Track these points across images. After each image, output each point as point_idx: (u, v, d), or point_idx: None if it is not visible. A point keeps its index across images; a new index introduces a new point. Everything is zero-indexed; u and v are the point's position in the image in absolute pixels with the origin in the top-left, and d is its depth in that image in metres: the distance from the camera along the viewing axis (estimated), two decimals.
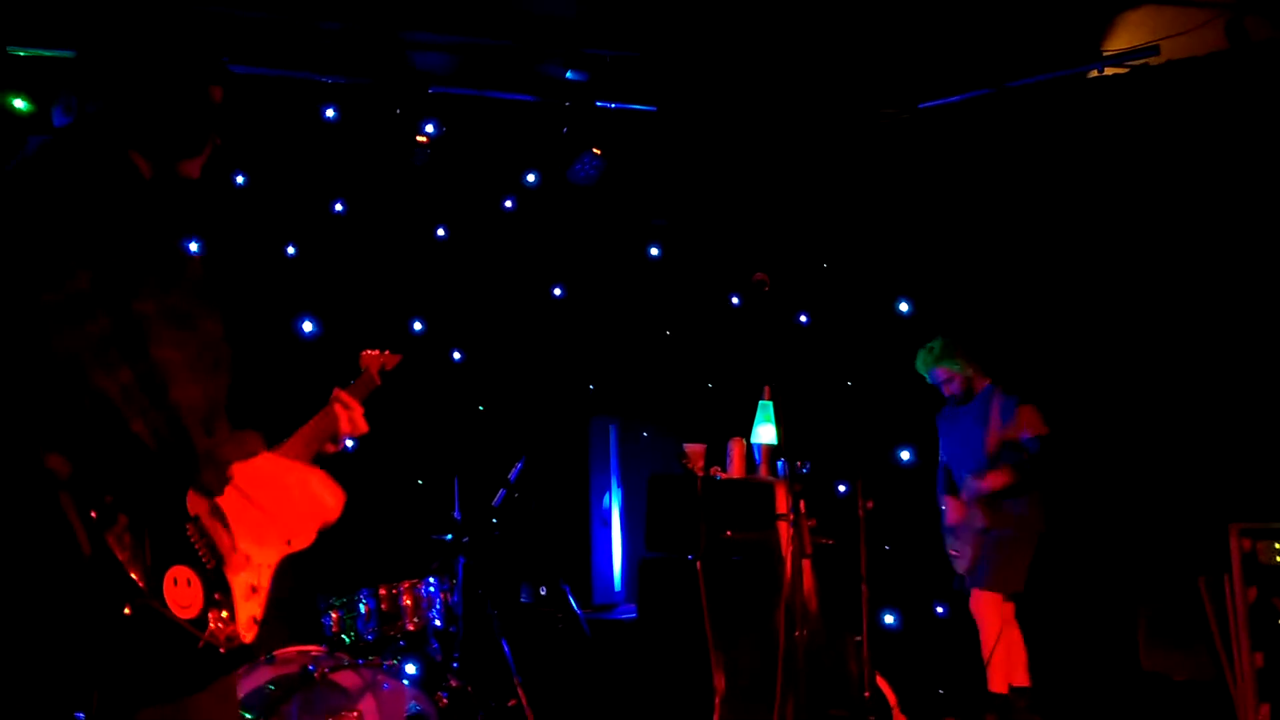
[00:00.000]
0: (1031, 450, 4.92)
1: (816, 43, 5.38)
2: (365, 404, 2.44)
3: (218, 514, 1.86)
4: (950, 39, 5.33)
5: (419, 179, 5.64)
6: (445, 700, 4.14)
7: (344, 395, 2.37)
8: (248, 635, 1.86)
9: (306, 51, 5.18)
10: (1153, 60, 5.28)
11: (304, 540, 1.98)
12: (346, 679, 3.80)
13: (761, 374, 4.79)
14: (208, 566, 1.82)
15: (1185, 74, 5.28)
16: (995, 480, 4.93)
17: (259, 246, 5.41)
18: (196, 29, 2.06)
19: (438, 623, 4.25)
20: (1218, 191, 5.31)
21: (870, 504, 4.06)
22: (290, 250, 5.50)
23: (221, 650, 1.80)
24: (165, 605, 1.71)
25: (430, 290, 5.79)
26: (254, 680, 3.66)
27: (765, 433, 4.75)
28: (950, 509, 5.16)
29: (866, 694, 3.92)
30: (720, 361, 6.26)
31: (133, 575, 1.68)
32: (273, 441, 2.18)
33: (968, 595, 5.16)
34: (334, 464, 2.45)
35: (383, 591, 4.15)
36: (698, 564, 4.38)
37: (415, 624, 4.18)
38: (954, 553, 5.19)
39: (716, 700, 4.23)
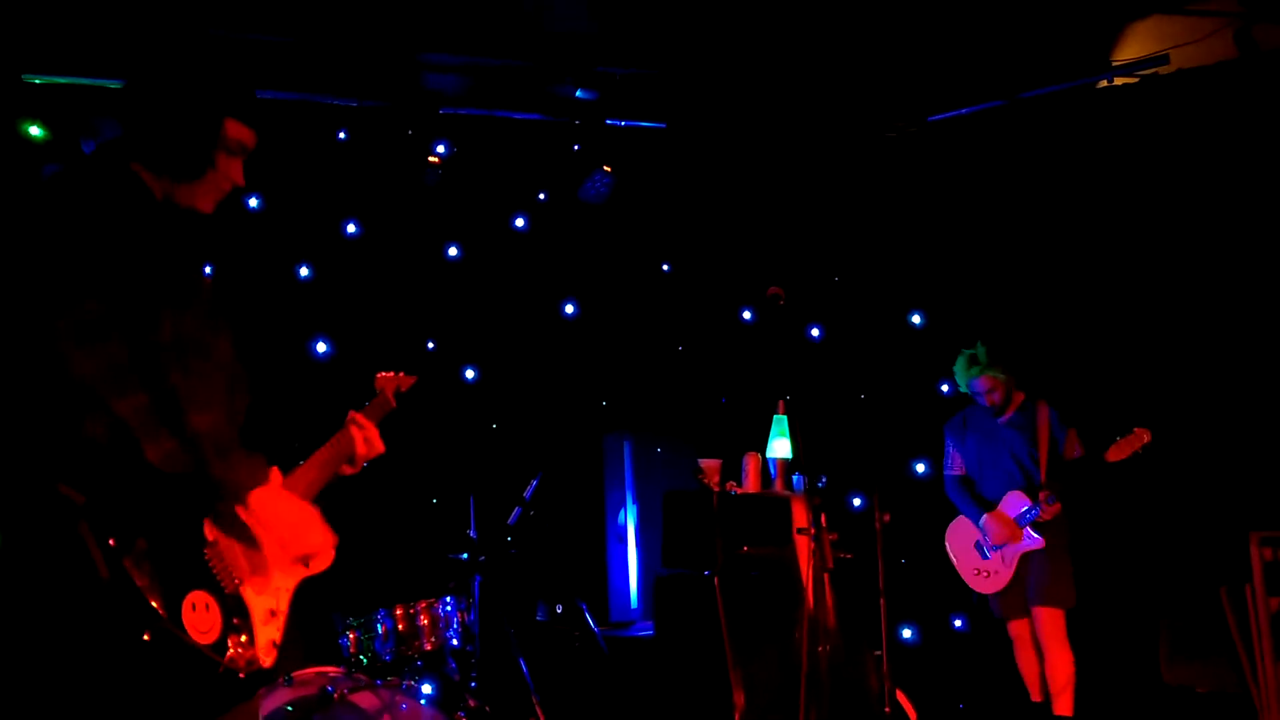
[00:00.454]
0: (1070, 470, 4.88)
1: (826, 57, 5.39)
2: (380, 425, 2.45)
3: (235, 538, 1.87)
4: (959, 52, 5.35)
5: (431, 199, 5.67)
6: None
7: (359, 417, 2.38)
8: (267, 659, 1.86)
9: (320, 75, 5.22)
10: (1162, 70, 5.28)
11: (322, 563, 1.98)
12: (365, 700, 3.78)
13: (775, 388, 4.78)
14: (226, 591, 1.82)
15: (1195, 83, 5.27)
16: (1058, 505, 4.82)
17: (272, 268, 5.43)
18: (219, 58, 2.09)
19: (455, 642, 4.24)
20: (1229, 200, 5.30)
21: (887, 517, 4.04)
22: (304, 271, 5.52)
23: (241, 675, 1.80)
24: (184, 631, 1.71)
25: (443, 309, 5.80)
26: (273, 702, 3.65)
27: (780, 447, 4.74)
28: (995, 528, 4.96)
29: (887, 709, 3.89)
30: (733, 376, 6.25)
31: (152, 601, 1.68)
32: (288, 465, 2.19)
33: (995, 613, 5.09)
34: (349, 484, 2.46)
35: (400, 611, 4.14)
36: (715, 580, 4.36)
37: (432, 644, 4.16)
38: (982, 571, 5.09)
39: (736, 716, 4.21)
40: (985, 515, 5.03)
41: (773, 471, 4.73)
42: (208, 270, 4.85)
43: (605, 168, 5.64)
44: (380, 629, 4.11)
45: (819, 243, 6.31)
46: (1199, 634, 4.65)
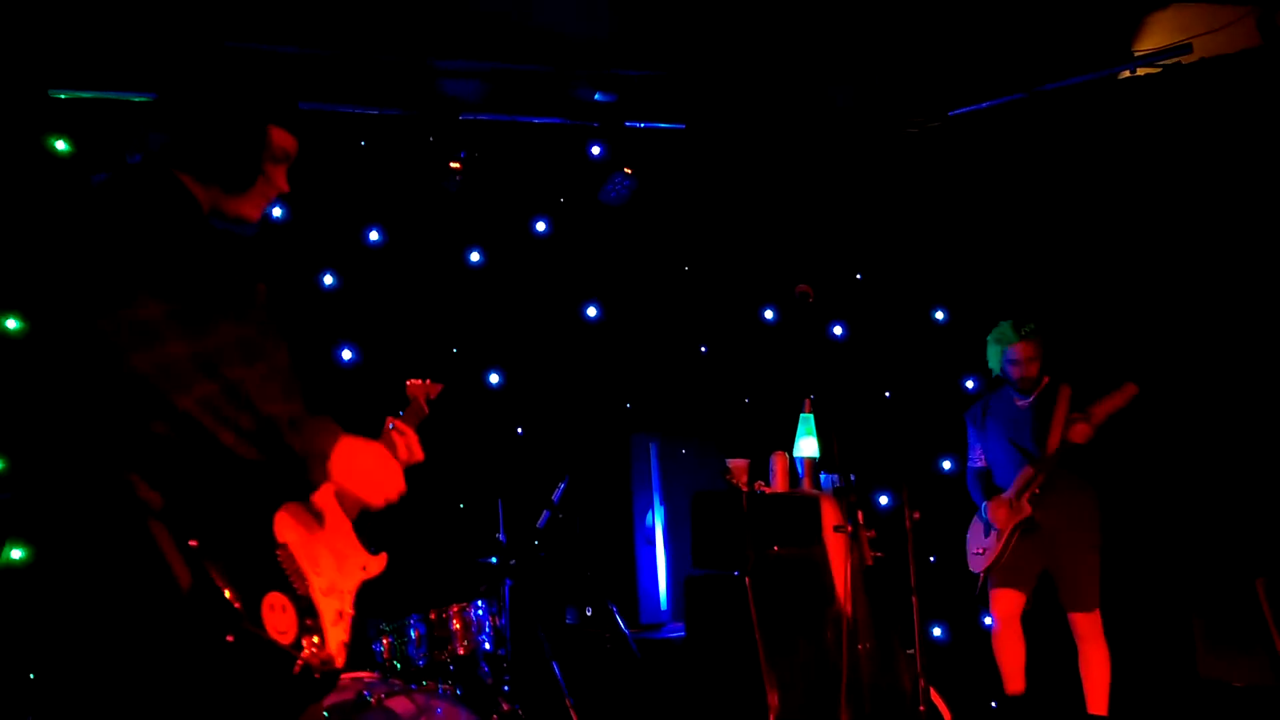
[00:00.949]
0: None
1: (845, 53, 5.38)
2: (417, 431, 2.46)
3: (303, 541, 1.88)
4: (979, 45, 5.32)
5: (452, 205, 5.69)
6: None
7: (399, 424, 2.40)
8: (339, 660, 1.88)
9: (339, 85, 5.25)
10: (1185, 59, 5.24)
11: (377, 567, 2.00)
12: (400, 705, 3.79)
13: (798, 387, 4.77)
14: (299, 592, 1.83)
15: (1218, 72, 5.24)
16: (1029, 469, 4.88)
17: (297, 277, 5.46)
18: (257, 69, 2.10)
19: (487, 645, 4.25)
20: (1255, 189, 5.25)
21: (917, 514, 4.03)
22: (328, 280, 5.55)
23: (316, 675, 1.80)
24: (265, 631, 1.72)
25: (467, 315, 5.82)
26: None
27: (807, 446, 4.73)
28: (996, 509, 5.02)
29: (921, 708, 3.88)
30: (757, 376, 6.24)
31: (234, 603, 1.68)
32: None
33: (985, 593, 5.08)
34: None
35: (432, 616, 4.15)
36: (745, 580, 4.36)
37: (465, 647, 4.17)
38: (979, 550, 5.12)
39: (771, 717, 4.20)
40: (987, 502, 5.09)
41: (800, 470, 4.73)
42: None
43: (625, 169, 5.65)
44: (413, 634, 4.12)
45: (841, 240, 6.30)
46: (1234, 627, 4.62)
